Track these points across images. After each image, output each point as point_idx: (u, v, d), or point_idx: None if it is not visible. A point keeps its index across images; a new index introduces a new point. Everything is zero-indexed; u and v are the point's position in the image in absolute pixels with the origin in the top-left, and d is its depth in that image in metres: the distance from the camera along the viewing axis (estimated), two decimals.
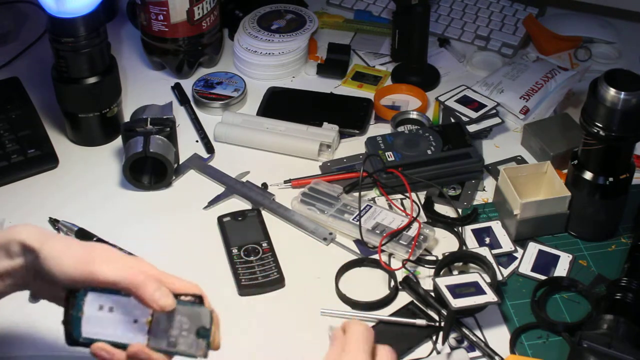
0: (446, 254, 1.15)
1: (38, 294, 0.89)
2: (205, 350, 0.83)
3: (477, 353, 1.05)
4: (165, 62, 1.47)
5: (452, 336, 1.06)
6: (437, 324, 1.07)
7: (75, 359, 1.05)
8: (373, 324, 1.08)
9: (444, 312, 1.08)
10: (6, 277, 0.87)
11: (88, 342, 0.83)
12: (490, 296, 1.06)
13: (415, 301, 1.10)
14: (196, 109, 1.42)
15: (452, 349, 1.05)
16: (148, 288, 0.82)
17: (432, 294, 1.10)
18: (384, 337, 1.05)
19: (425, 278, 1.14)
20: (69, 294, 0.84)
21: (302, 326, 1.09)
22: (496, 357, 1.04)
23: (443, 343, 1.04)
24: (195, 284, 0.86)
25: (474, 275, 1.09)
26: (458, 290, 1.06)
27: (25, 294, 1.13)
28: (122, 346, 0.83)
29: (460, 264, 1.15)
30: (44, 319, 1.07)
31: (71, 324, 0.83)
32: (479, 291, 1.07)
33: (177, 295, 0.84)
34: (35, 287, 0.88)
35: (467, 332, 1.06)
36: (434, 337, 1.06)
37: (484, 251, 1.16)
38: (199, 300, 0.84)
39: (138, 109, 1.32)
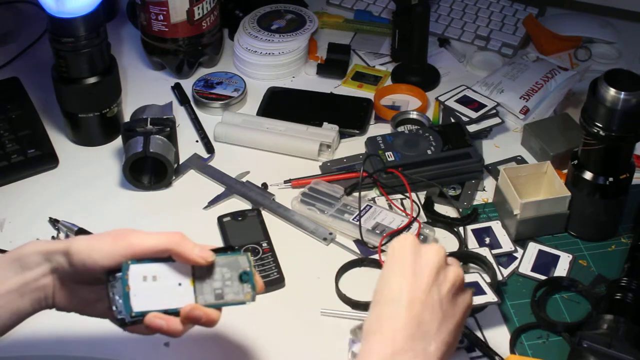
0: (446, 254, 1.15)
1: (66, 304, 0.87)
2: (252, 293, 0.84)
3: (477, 353, 1.05)
4: (165, 62, 1.47)
5: None
6: None
7: (75, 359, 1.05)
8: None
9: None
10: (26, 292, 0.85)
11: (140, 317, 0.82)
12: (490, 296, 1.06)
13: None
14: (196, 109, 1.42)
15: None
16: (187, 244, 0.82)
17: None
18: None
19: None
20: (108, 276, 0.83)
21: (302, 326, 1.09)
22: (496, 358, 1.04)
23: None
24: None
25: (474, 276, 1.09)
26: None
27: None
28: (174, 312, 0.82)
29: (460, 264, 1.15)
30: (44, 319, 1.07)
31: (117, 306, 0.82)
32: (479, 291, 1.07)
33: (212, 250, 0.84)
34: (62, 298, 0.87)
35: (467, 331, 1.06)
36: None
37: (484, 251, 1.16)
38: (231, 249, 0.85)
39: (138, 109, 1.32)
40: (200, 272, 0.84)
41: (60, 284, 0.86)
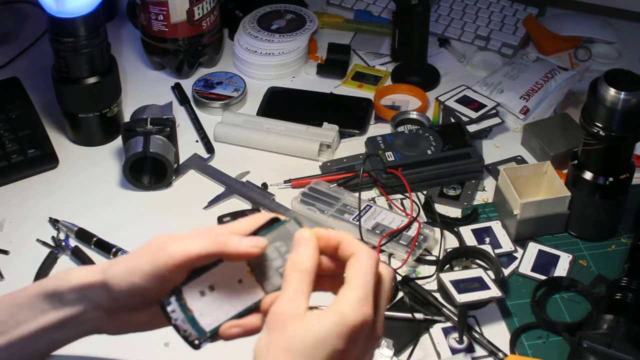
0: (449, 250, 1.16)
1: (117, 331, 0.80)
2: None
3: (477, 353, 1.05)
4: (165, 62, 1.47)
5: (452, 336, 1.06)
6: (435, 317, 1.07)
7: (75, 359, 1.05)
8: None
9: (445, 310, 1.08)
10: (68, 327, 0.78)
11: (214, 333, 0.75)
12: (494, 291, 1.06)
13: (406, 297, 1.09)
14: (196, 109, 1.42)
15: (453, 352, 1.05)
16: (234, 243, 0.73)
17: (432, 293, 1.10)
18: (384, 332, 1.05)
19: (426, 278, 1.14)
20: (163, 305, 0.75)
21: None
22: (499, 354, 1.03)
23: (460, 338, 1.04)
24: (259, 213, 0.78)
25: (478, 271, 1.10)
26: (462, 286, 1.07)
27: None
28: (247, 312, 0.75)
29: (463, 259, 1.15)
30: None
31: (186, 331, 0.75)
32: (483, 286, 1.07)
33: (255, 232, 0.75)
34: (113, 327, 0.79)
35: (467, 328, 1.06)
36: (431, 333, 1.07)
37: (487, 249, 1.16)
38: (275, 220, 0.76)
39: (138, 109, 1.32)
40: (254, 259, 0.75)
41: (107, 315, 0.78)
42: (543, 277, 1.14)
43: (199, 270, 0.75)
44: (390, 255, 1.17)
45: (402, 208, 1.23)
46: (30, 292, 0.79)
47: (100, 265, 0.77)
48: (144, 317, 0.78)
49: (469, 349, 1.05)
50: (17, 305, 0.79)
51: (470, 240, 1.18)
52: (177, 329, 0.74)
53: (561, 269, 1.15)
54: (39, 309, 0.78)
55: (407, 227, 1.18)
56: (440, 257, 1.16)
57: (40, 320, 0.78)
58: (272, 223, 0.76)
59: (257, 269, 0.75)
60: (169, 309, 0.74)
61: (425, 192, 1.25)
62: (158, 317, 0.77)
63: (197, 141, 1.37)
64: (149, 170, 1.27)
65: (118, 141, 1.32)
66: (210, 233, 0.75)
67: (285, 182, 1.28)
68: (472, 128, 1.33)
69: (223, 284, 0.76)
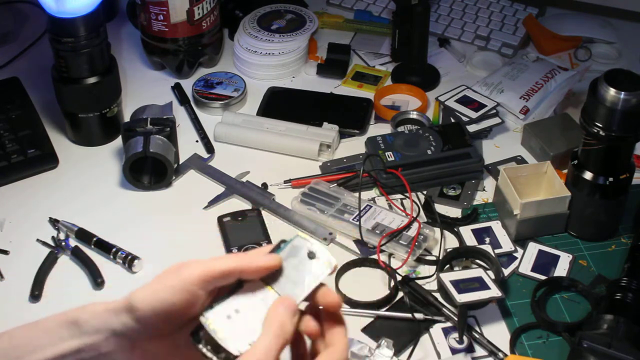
0: (449, 250, 1.16)
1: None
2: (329, 260, 0.80)
3: (477, 353, 1.05)
4: (165, 62, 1.47)
5: (452, 336, 1.06)
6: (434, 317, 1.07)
7: None
8: (372, 319, 1.09)
9: (445, 310, 1.08)
10: (84, 358, 0.77)
11: None
12: (494, 291, 1.06)
13: (406, 297, 1.09)
14: (196, 109, 1.42)
15: (453, 352, 1.05)
16: (252, 257, 0.76)
17: (432, 293, 1.10)
18: (383, 332, 1.05)
19: (426, 278, 1.14)
20: (193, 337, 0.75)
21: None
22: (499, 354, 1.04)
23: (460, 338, 1.04)
24: (265, 246, 0.81)
25: (478, 271, 1.10)
26: (462, 286, 1.07)
27: (24, 290, 1.13)
28: None
29: (463, 259, 1.15)
30: None
31: (217, 356, 0.75)
32: (483, 286, 1.07)
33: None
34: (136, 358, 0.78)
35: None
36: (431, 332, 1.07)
37: (487, 248, 1.16)
38: (282, 242, 0.79)
39: (138, 109, 1.32)
40: (272, 279, 0.78)
41: (129, 345, 0.77)
42: (543, 277, 1.14)
43: (222, 296, 0.77)
44: (390, 255, 1.17)
45: (402, 208, 1.23)
46: (52, 319, 0.78)
47: (122, 297, 0.76)
48: (166, 347, 0.78)
49: (469, 349, 1.05)
50: (37, 331, 0.78)
51: (470, 240, 1.18)
52: (207, 356, 0.75)
53: (561, 269, 1.15)
54: (57, 335, 0.77)
55: (407, 227, 1.18)
56: (440, 257, 1.16)
57: (57, 347, 0.77)
58: (279, 245, 0.79)
59: (276, 285, 0.77)
60: (195, 336, 0.75)
61: (425, 192, 1.25)
62: (181, 348, 0.78)
63: (197, 141, 1.37)
64: (149, 170, 1.27)
65: (118, 141, 1.32)
66: (228, 255, 0.78)
67: (285, 182, 1.28)
68: (472, 128, 1.33)
69: (247, 306, 0.77)
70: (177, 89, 1.46)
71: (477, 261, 1.15)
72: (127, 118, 1.35)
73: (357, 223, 1.18)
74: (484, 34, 1.56)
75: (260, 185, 1.27)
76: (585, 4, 1.59)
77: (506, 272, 1.15)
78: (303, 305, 0.78)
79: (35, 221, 1.22)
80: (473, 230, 1.20)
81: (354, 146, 1.35)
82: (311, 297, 0.77)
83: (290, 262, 0.78)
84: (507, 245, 1.18)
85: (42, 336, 0.77)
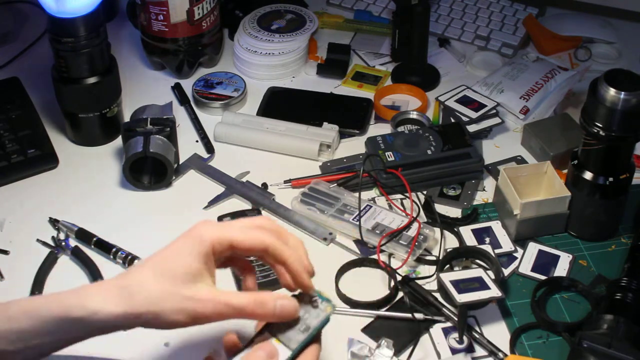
0: (449, 250, 1.16)
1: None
2: (330, 304, 0.85)
3: (477, 353, 1.05)
4: (165, 62, 1.47)
5: (452, 336, 1.06)
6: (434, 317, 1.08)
7: (75, 359, 1.05)
8: (372, 319, 1.09)
9: (445, 310, 1.08)
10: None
11: None
12: (494, 291, 1.06)
13: (406, 297, 1.09)
14: (196, 109, 1.42)
15: (453, 352, 1.05)
16: (269, 306, 0.82)
17: (432, 293, 1.10)
18: (383, 332, 1.05)
19: (426, 278, 1.14)
20: None
21: None
22: (499, 354, 1.04)
23: (460, 338, 1.04)
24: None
25: (478, 271, 1.10)
26: (462, 286, 1.07)
27: (24, 290, 1.13)
28: None
29: (463, 259, 1.15)
30: None
31: None
32: (483, 286, 1.07)
33: None
34: None
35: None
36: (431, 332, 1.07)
37: (487, 248, 1.16)
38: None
39: (138, 109, 1.32)
40: (277, 329, 0.83)
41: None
42: (543, 277, 1.14)
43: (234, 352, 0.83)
44: (390, 255, 1.17)
45: (402, 208, 1.23)
46: (54, 312, 0.80)
47: (119, 286, 0.80)
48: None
49: (469, 349, 1.05)
50: (39, 320, 0.81)
51: (470, 240, 1.18)
52: None
53: (561, 269, 1.15)
54: (63, 330, 0.81)
55: (407, 227, 1.18)
56: (440, 257, 1.16)
57: (61, 339, 0.81)
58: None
59: (280, 334, 0.83)
60: None
61: (425, 192, 1.25)
62: None
63: (197, 141, 1.37)
64: (149, 170, 1.27)
65: (118, 141, 1.32)
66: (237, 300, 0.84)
67: (285, 182, 1.28)
68: (472, 128, 1.33)
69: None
70: (177, 89, 1.46)
71: (477, 261, 1.15)
72: (127, 118, 1.35)
73: (357, 223, 1.18)
74: (484, 34, 1.56)
75: (260, 185, 1.27)
76: (585, 4, 1.59)
77: (506, 272, 1.15)
78: None
79: (35, 221, 1.22)
80: (473, 230, 1.20)
81: (354, 146, 1.35)
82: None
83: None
84: (507, 245, 1.18)
85: (44, 328, 0.81)
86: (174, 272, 0.80)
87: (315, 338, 0.85)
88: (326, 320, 0.85)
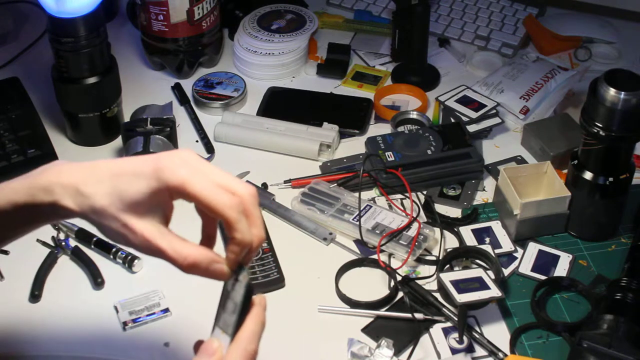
0: (449, 250, 1.16)
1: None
2: (246, 277, 0.83)
3: (477, 353, 1.05)
4: (165, 62, 1.47)
5: (452, 336, 1.06)
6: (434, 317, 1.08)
7: (75, 359, 1.05)
8: (372, 319, 1.09)
9: (445, 310, 1.08)
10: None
11: None
12: (494, 291, 1.06)
13: (406, 297, 1.09)
14: (196, 109, 1.42)
15: (453, 352, 1.05)
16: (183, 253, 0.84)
17: (432, 293, 1.10)
18: (383, 332, 1.05)
19: (426, 278, 1.14)
20: None
21: (301, 326, 1.09)
22: (499, 353, 1.04)
23: (460, 338, 1.04)
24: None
25: (478, 271, 1.10)
26: (462, 286, 1.07)
27: (24, 290, 1.13)
28: None
29: (463, 259, 1.15)
30: (44, 319, 1.08)
31: None
32: (483, 286, 1.07)
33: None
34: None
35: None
36: (431, 332, 1.07)
37: (487, 248, 1.16)
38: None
39: (138, 109, 1.32)
40: (218, 318, 0.83)
41: None
42: (543, 277, 1.14)
43: None
44: (390, 255, 1.17)
45: (402, 208, 1.23)
46: (21, 198, 0.84)
47: (76, 188, 0.81)
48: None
49: (469, 349, 1.05)
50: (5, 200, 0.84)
51: (470, 240, 1.18)
52: None
53: (561, 269, 1.15)
54: (28, 219, 0.88)
55: (407, 227, 1.18)
56: (440, 257, 1.16)
57: (24, 227, 0.88)
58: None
59: (221, 324, 0.81)
60: None
61: (425, 192, 1.25)
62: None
63: (197, 141, 1.37)
64: None
65: (118, 141, 1.32)
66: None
67: (285, 182, 1.28)
68: (472, 128, 1.33)
69: None
70: (177, 89, 1.46)
71: (477, 261, 1.15)
72: (127, 118, 1.35)
73: (357, 223, 1.18)
74: (484, 34, 1.56)
75: (260, 185, 1.27)
76: (585, 4, 1.59)
77: (506, 272, 1.15)
78: None
79: None
80: (473, 230, 1.20)
81: (354, 146, 1.35)
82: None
83: (228, 303, 0.82)
84: (507, 245, 1.18)
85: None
86: (123, 194, 0.80)
87: (246, 309, 0.82)
88: (248, 291, 0.81)
